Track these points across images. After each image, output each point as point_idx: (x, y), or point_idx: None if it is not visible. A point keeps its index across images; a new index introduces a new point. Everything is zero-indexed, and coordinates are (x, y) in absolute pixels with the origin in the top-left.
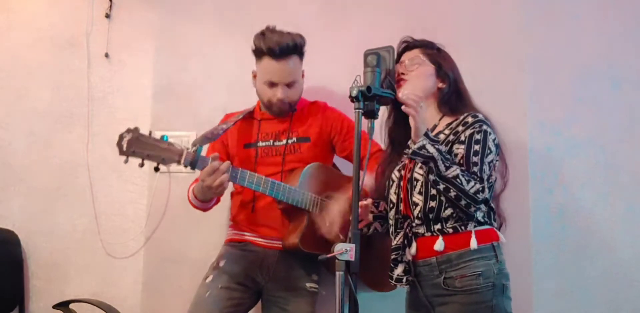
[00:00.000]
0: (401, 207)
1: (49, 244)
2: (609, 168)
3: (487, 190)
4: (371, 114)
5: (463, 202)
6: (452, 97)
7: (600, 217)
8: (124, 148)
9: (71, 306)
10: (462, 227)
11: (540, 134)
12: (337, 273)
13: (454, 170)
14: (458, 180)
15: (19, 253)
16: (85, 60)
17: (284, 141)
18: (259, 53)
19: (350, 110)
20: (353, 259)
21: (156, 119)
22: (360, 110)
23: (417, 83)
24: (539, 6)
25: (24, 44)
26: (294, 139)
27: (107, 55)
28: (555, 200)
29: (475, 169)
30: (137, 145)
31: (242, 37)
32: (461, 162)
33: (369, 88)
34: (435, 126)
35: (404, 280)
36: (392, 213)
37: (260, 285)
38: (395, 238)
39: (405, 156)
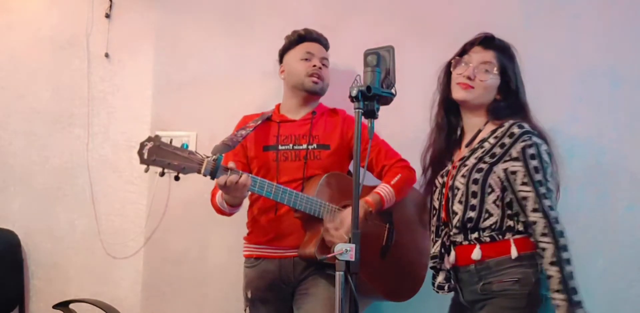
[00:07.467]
0: (442, 214)
1: (49, 244)
2: (609, 168)
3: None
4: (371, 114)
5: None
6: (504, 105)
7: (600, 217)
8: (145, 156)
9: (71, 306)
10: (500, 236)
11: None
12: (337, 273)
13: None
14: (562, 264)
15: (19, 253)
16: (85, 60)
17: (304, 146)
18: (294, 42)
19: (350, 110)
20: (353, 259)
21: (156, 118)
22: (360, 110)
23: (480, 95)
24: (539, 6)
25: (24, 44)
26: (314, 145)
27: (107, 55)
28: None
29: (547, 203)
30: (158, 154)
31: (242, 37)
32: (524, 180)
33: (369, 88)
34: (479, 131)
35: (446, 288)
36: (434, 220)
37: (287, 290)
38: (433, 246)
39: (450, 162)
